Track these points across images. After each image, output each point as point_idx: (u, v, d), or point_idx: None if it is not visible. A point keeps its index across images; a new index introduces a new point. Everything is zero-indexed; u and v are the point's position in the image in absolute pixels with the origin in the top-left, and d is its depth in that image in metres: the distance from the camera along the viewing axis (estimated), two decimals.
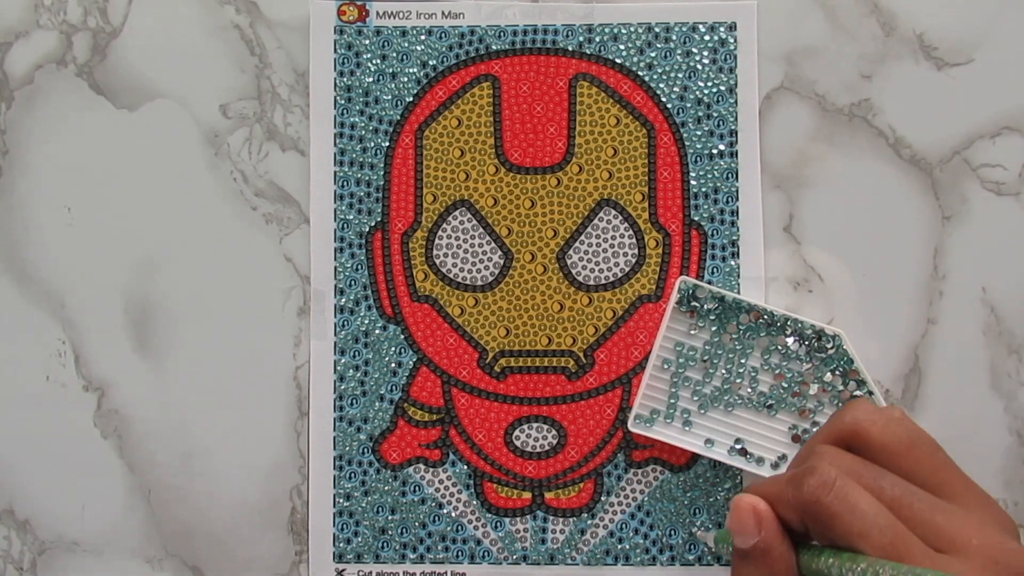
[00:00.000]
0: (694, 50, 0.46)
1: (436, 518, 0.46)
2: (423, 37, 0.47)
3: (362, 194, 0.47)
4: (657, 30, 0.47)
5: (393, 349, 0.47)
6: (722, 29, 0.46)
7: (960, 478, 0.34)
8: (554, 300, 0.46)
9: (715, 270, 0.46)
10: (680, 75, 0.47)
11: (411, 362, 0.47)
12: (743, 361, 0.45)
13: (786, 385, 0.45)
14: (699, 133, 0.46)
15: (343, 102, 0.47)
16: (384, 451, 0.47)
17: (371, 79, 0.47)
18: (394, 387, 0.47)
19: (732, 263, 0.46)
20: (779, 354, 0.45)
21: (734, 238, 0.46)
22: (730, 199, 0.46)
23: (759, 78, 0.46)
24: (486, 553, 0.46)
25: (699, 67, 0.46)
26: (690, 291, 0.45)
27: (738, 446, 0.45)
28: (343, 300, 0.47)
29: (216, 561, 0.47)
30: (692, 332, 0.45)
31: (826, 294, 0.46)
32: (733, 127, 0.46)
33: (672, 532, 0.46)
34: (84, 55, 0.48)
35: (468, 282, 0.47)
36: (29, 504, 0.48)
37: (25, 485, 0.48)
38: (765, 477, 0.45)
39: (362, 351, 0.47)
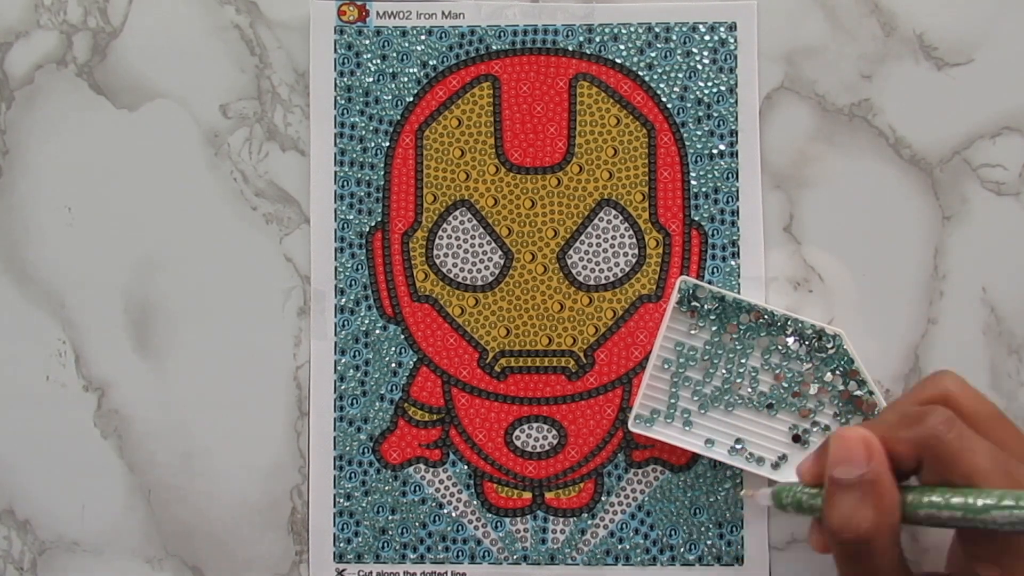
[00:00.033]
0: (694, 50, 0.46)
1: (436, 518, 0.46)
2: (423, 37, 0.47)
3: (362, 194, 0.47)
4: (657, 30, 0.47)
5: (393, 349, 0.47)
6: (722, 29, 0.46)
7: None
8: (554, 300, 0.46)
9: (715, 270, 0.46)
10: (680, 75, 0.47)
11: (411, 362, 0.47)
12: (743, 361, 0.45)
13: (786, 385, 0.45)
14: (699, 133, 0.46)
15: (343, 102, 0.47)
16: (384, 451, 0.47)
17: (371, 79, 0.47)
18: (394, 387, 0.47)
19: (732, 263, 0.46)
20: (779, 354, 0.45)
21: (734, 238, 0.46)
22: (730, 199, 0.46)
23: (759, 78, 0.46)
24: (486, 553, 0.46)
25: (699, 67, 0.46)
26: (690, 291, 0.45)
27: (738, 446, 0.45)
28: (343, 300, 0.47)
29: (216, 561, 0.47)
30: (692, 332, 0.45)
31: (826, 294, 0.46)
32: (733, 127, 0.46)
33: (672, 532, 0.46)
34: (84, 55, 0.48)
35: (468, 282, 0.47)
36: (29, 504, 0.48)
37: (25, 485, 0.48)
38: (765, 476, 0.45)
39: (362, 351, 0.47)
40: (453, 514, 0.46)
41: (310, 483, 0.47)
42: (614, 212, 0.46)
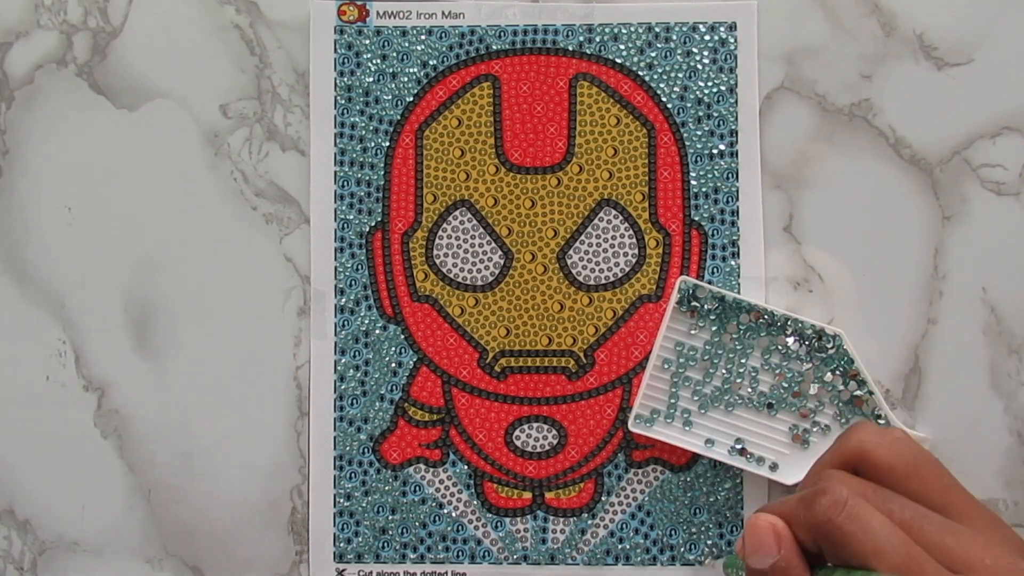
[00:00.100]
0: (694, 50, 0.46)
1: (436, 518, 0.46)
2: (423, 37, 0.47)
3: (362, 194, 0.47)
4: (657, 30, 0.47)
5: (393, 349, 0.47)
6: (722, 29, 0.46)
7: (968, 498, 0.34)
8: (554, 300, 0.46)
9: (715, 270, 0.46)
10: (680, 75, 0.47)
11: (411, 362, 0.47)
12: (743, 361, 0.45)
13: (786, 385, 0.45)
14: (699, 133, 0.46)
15: (343, 102, 0.47)
16: (384, 451, 0.47)
17: (371, 79, 0.47)
18: (394, 387, 0.47)
19: (732, 263, 0.46)
20: (779, 354, 0.45)
21: (734, 238, 0.46)
22: (730, 199, 0.46)
23: (759, 78, 0.46)
24: (486, 553, 0.46)
25: (699, 67, 0.46)
26: (690, 291, 0.45)
27: (738, 446, 0.45)
28: (343, 300, 0.47)
29: (216, 561, 0.47)
30: (692, 332, 0.45)
31: (826, 294, 0.46)
32: (733, 127, 0.46)
33: (672, 532, 0.46)
34: (84, 55, 0.48)
35: (468, 282, 0.47)
36: (29, 504, 0.48)
37: (25, 485, 0.48)
38: (765, 476, 0.45)
39: (362, 351, 0.47)
40: (453, 514, 0.46)
41: (310, 483, 0.47)
42: (614, 212, 0.46)
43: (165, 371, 0.47)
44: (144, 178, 0.48)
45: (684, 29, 0.47)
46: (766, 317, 0.45)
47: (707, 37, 0.46)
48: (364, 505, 0.46)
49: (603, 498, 0.46)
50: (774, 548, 0.33)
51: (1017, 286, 0.46)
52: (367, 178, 0.47)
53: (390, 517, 0.46)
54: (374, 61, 0.47)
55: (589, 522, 0.46)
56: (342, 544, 0.46)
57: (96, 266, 0.48)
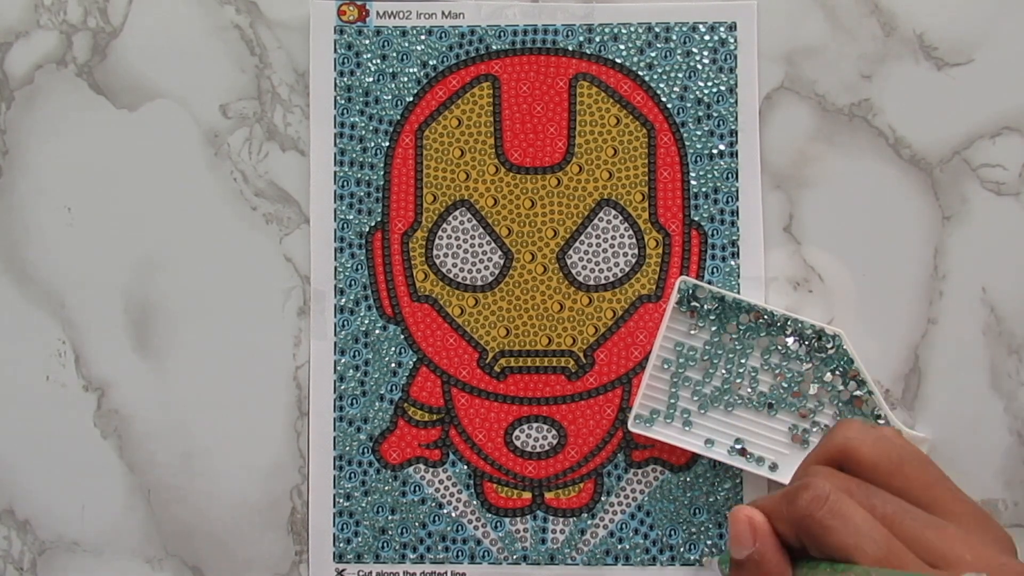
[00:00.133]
0: (694, 50, 0.46)
1: (436, 518, 0.46)
2: (423, 37, 0.47)
3: (362, 194, 0.47)
4: (657, 30, 0.47)
5: (393, 349, 0.47)
6: (722, 29, 0.46)
7: (954, 494, 0.34)
8: (554, 300, 0.46)
9: (715, 270, 0.46)
10: (680, 75, 0.47)
11: (411, 362, 0.47)
12: (743, 361, 0.45)
13: (786, 385, 0.45)
14: (699, 133, 0.46)
15: (343, 102, 0.47)
16: (384, 451, 0.47)
17: (371, 79, 0.47)
18: (394, 387, 0.47)
19: (732, 263, 0.46)
20: (779, 354, 0.45)
21: (734, 238, 0.46)
22: (730, 199, 0.46)
23: (759, 78, 0.46)
24: (486, 553, 0.46)
25: (699, 67, 0.46)
26: (690, 291, 0.45)
27: (738, 446, 0.45)
28: (343, 300, 0.47)
29: (216, 561, 0.47)
30: (692, 332, 0.45)
31: (826, 294, 0.46)
32: (733, 127, 0.46)
33: (672, 532, 0.46)
34: (84, 55, 0.48)
35: (468, 282, 0.47)
36: (29, 504, 0.48)
37: (25, 485, 0.48)
38: (765, 476, 0.45)
39: (362, 351, 0.47)
40: (453, 514, 0.46)
41: (310, 483, 0.47)
42: (614, 212, 0.46)
43: (165, 371, 0.47)
44: (144, 178, 0.48)
45: (684, 29, 0.47)
46: (766, 317, 0.45)
47: (707, 37, 0.46)
48: (364, 505, 0.46)
49: (603, 498, 0.46)
50: (750, 540, 0.34)
51: (1017, 286, 0.46)
52: (367, 178, 0.47)
53: (390, 517, 0.46)
54: (374, 61, 0.47)
55: (589, 522, 0.46)
56: (342, 544, 0.46)
57: (96, 266, 0.48)
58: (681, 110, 0.46)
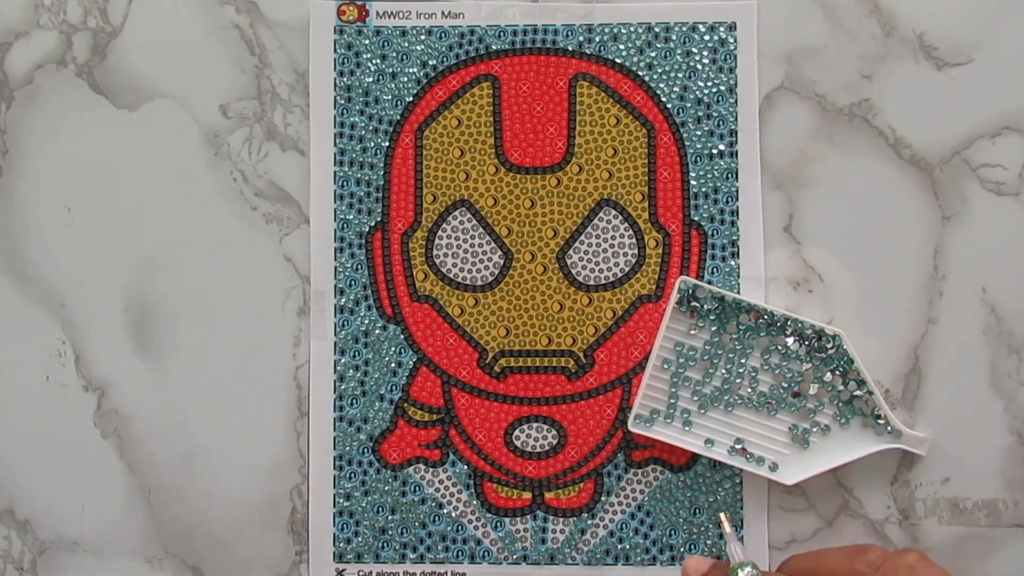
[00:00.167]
0: (694, 50, 0.46)
1: (436, 518, 0.46)
2: (423, 37, 0.47)
3: (362, 194, 0.47)
4: (657, 30, 0.47)
5: (393, 349, 0.47)
6: (722, 29, 0.46)
7: None
8: (554, 300, 0.46)
9: (715, 270, 0.46)
10: (680, 75, 0.47)
11: (411, 362, 0.47)
12: (743, 361, 0.45)
13: (786, 385, 0.45)
14: (699, 133, 0.46)
15: (343, 102, 0.47)
16: (384, 451, 0.47)
17: (371, 79, 0.47)
18: (394, 387, 0.47)
19: (732, 263, 0.46)
20: (779, 354, 0.45)
21: (734, 238, 0.46)
22: (730, 199, 0.46)
23: (759, 78, 0.46)
24: (486, 553, 0.46)
25: (699, 67, 0.46)
26: (690, 291, 0.45)
27: (738, 446, 0.45)
28: (343, 300, 0.47)
29: (216, 561, 0.47)
30: (692, 332, 0.45)
31: (826, 294, 0.46)
32: (733, 127, 0.46)
33: (672, 532, 0.46)
34: (84, 55, 0.48)
35: (468, 282, 0.47)
36: (29, 504, 0.48)
37: (25, 485, 0.48)
38: (764, 476, 0.45)
39: (362, 351, 0.47)
40: (453, 514, 0.46)
41: (310, 483, 0.47)
42: (614, 212, 0.46)
43: (165, 371, 0.47)
44: (144, 178, 0.48)
45: (684, 29, 0.46)
46: (766, 317, 0.45)
47: (707, 37, 0.46)
48: (364, 505, 0.46)
49: (603, 498, 0.46)
50: None
51: (1017, 286, 0.46)
52: (367, 178, 0.47)
53: (390, 517, 0.46)
54: (374, 61, 0.47)
55: (589, 522, 0.46)
56: (342, 544, 0.46)
57: (96, 266, 0.48)
58: (681, 110, 0.46)
